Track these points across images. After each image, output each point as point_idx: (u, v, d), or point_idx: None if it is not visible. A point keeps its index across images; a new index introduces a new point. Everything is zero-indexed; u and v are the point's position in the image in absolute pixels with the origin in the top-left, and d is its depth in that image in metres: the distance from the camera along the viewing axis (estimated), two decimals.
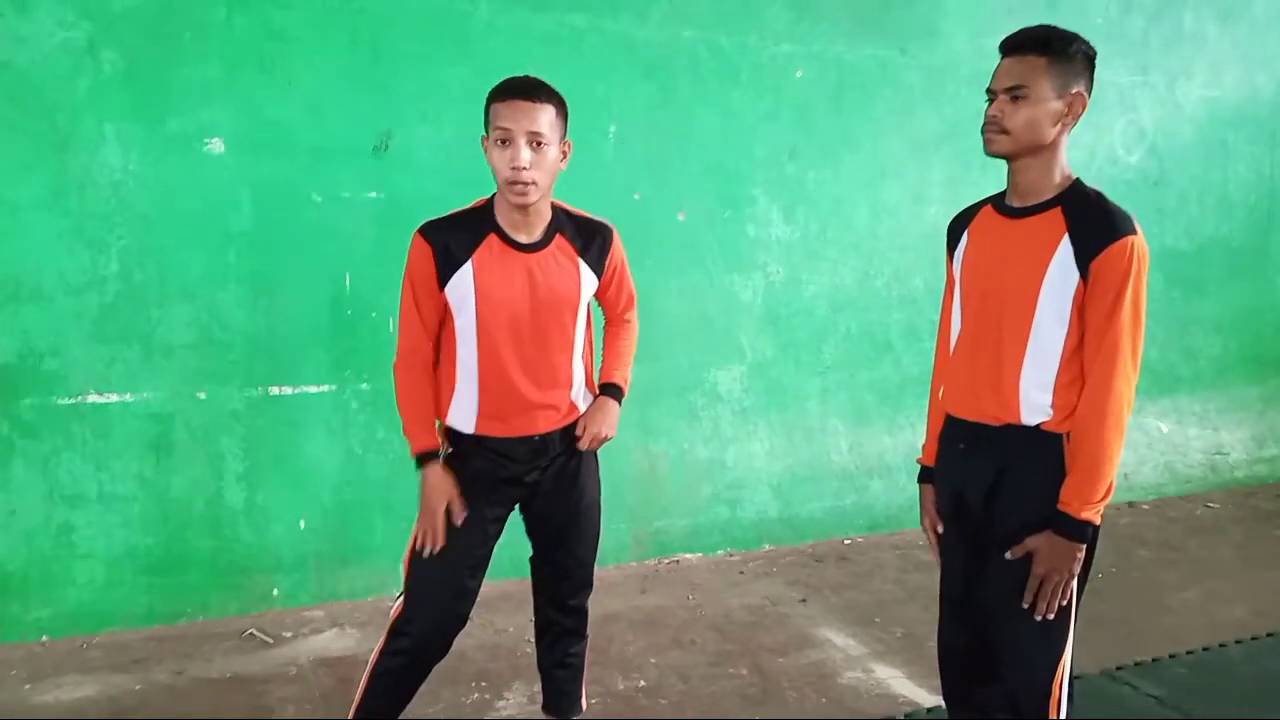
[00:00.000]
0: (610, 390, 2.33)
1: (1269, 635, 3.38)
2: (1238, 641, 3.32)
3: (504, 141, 1.99)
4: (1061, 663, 1.94)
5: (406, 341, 2.14)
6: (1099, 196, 1.87)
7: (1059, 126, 1.87)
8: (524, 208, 2.06)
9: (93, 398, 3.23)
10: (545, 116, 2.00)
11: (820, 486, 4.38)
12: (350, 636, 3.23)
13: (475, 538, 2.17)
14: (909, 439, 4.49)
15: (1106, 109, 4.84)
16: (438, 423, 2.19)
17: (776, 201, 4.21)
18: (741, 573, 3.94)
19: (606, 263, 2.23)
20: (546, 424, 2.20)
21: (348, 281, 3.49)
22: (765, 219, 4.20)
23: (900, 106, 4.40)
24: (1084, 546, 1.86)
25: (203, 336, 3.33)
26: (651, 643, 3.21)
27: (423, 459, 2.12)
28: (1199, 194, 5.23)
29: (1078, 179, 1.91)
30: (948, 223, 2.14)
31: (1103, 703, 2.87)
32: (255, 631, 3.27)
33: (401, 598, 2.18)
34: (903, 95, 4.41)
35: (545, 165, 2.02)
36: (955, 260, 2.07)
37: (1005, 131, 1.87)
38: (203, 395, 3.35)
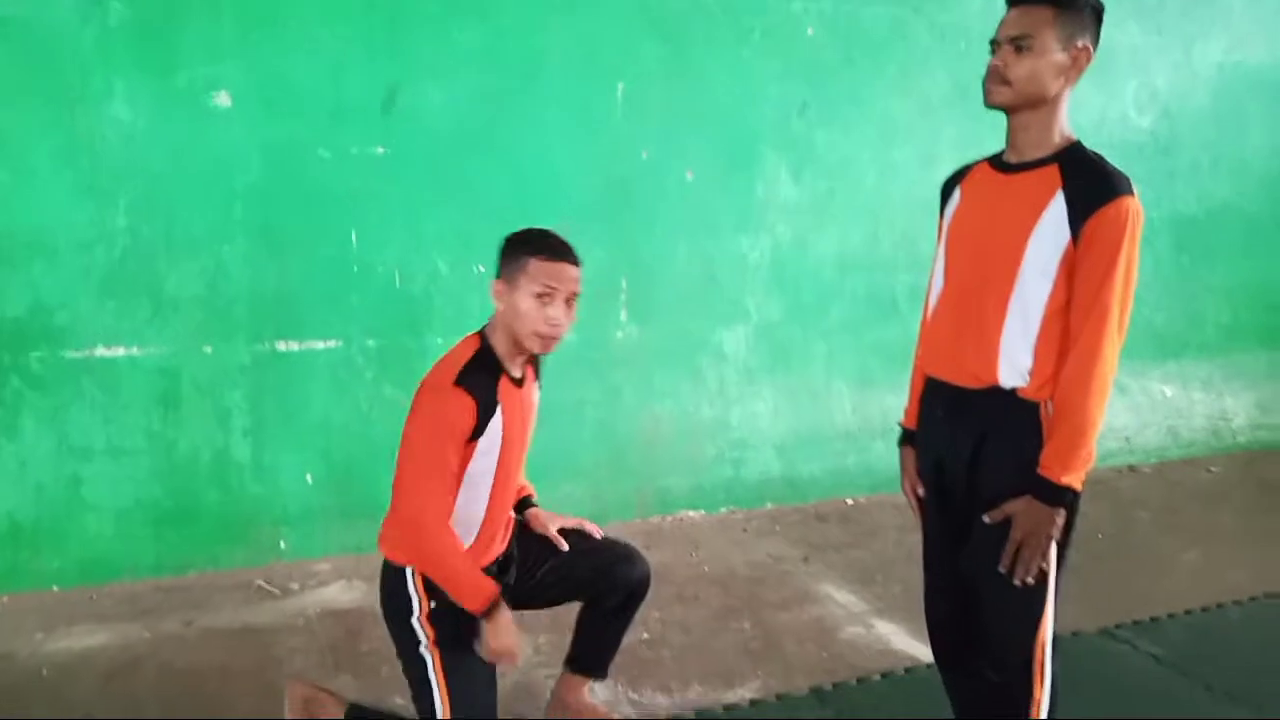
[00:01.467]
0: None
1: (1267, 597, 3.41)
2: (1236, 603, 3.36)
3: (544, 297, 2.01)
4: (1043, 626, 1.95)
5: (439, 500, 2.00)
6: (1098, 157, 1.84)
7: (1062, 80, 1.83)
8: (532, 354, 2.13)
9: (101, 351, 3.24)
10: (580, 275, 2.08)
11: (823, 447, 4.40)
12: (357, 589, 3.27)
13: (490, 675, 2.16)
14: None
15: (1119, 70, 4.79)
16: (413, 577, 2.09)
17: (785, 161, 4.19)
18: (744, 530, 3.97)
19: (540, 375, 2.31)
20: (508, 533, 2.26)
21: (354, 238, 3.49)
22: (774, 179, 4.18)
23: (912, 66, 4.36)
24: (1063, 511, 1.84)
25: (210, 291, 3.34)
26: (655, 596, 3.19)
27: (496, 604, 2.01)
28: (1212, 160, 5.18)
29: (1078, 140, 1.88)
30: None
31: (1102, 660, 2.91)
32: (263, 583, 3.31)
33: None
34: (915, 54, 4.37)
35: (572, 321, 2.09)
36: (946, 218, 2.05)
37: (1007, 82, 1.83)
38: (210, 350, 3.36)
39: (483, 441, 2.03)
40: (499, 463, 2.09)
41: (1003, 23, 1.87)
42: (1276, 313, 5.49)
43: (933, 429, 2.05)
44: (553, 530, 2.32)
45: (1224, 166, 5.22)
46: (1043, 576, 1.90)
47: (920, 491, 2.11)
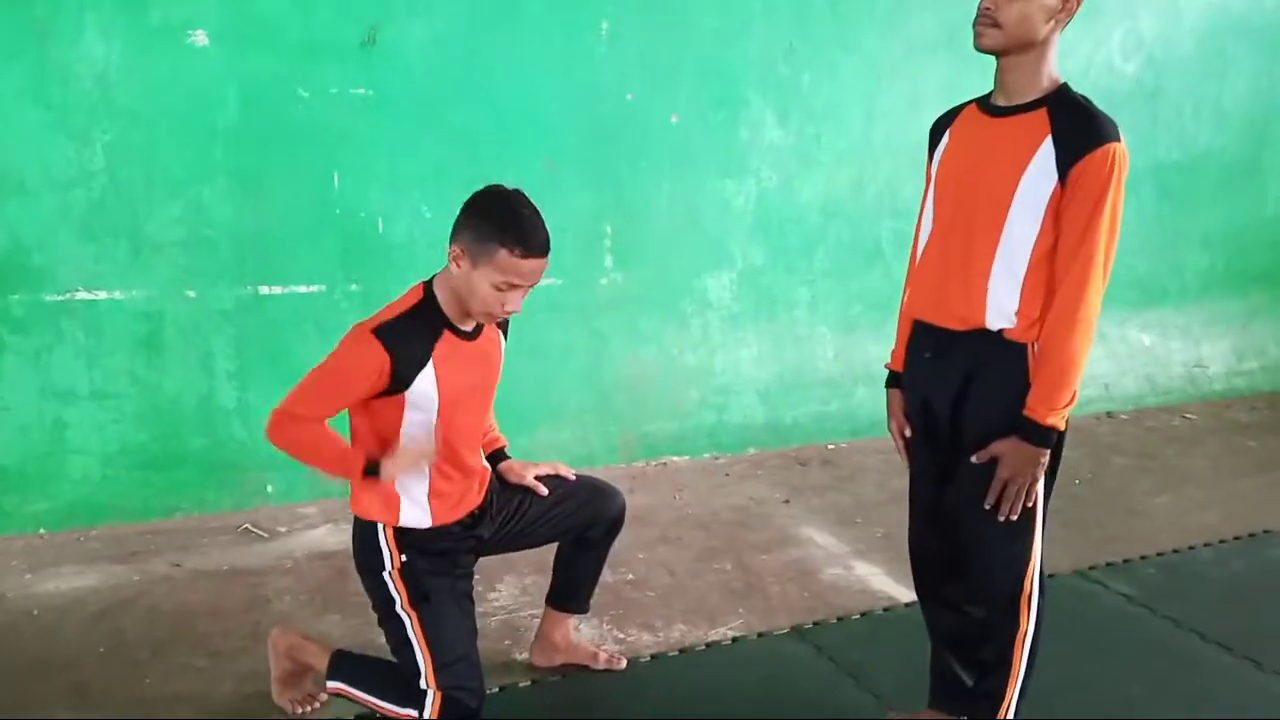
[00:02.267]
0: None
1: (1237, 539, 3.49)
2: (1207, 545, 3.44)
3: (507, 289, 1.96)
4: (1031, 563, 1.99)
5: (304, 409, 2.03)
6: (1086, 101, 1.85)
7: (1052, 24, 1.83)
8: None
9: (82, 295, 3.22)
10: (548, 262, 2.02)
11: (806, 393, 4.44)
12: (344, 532, 3.26)
13: (466, 611, 2.18)
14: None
15: (1105, 16, 4.76)
16: (384, 531, 2.12)
17: (771, 104, 4.16)
18: (727, 475, 4.02)
19: (508, 327, 2.30)
20: (483, 487, 2.25)
21: (336, 180, 3.46)
22: (759, 122, 4.16)
23: (898, 7, 4.32)
24: (1048, 451, 1.88)
25: (191, 235, 3.31)
26: (639, 538, 3.29)
27: (370, 468, 2.04)
28: (1194, 105, 5.18)
29: (1066, 83, 1.88)
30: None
31: (1074, 599, 2.98)
32: (250, 526, 3.33)
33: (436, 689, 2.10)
34: None
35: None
36: (934, 160, 2.05)
37: (997, 25, 1.82)
38: (192, 294, 3.34)
39: (411, 395, 2.01)
40: (440, 417, 2.06)
41: None
42: (1252, 259, 5.53)
43: (920, 369, 2.07)
44: (529, 478, 2.33)
45: (1205, 112, 5.22)
46: (1029, 514, 1.94)
47: (907, 433, 2.14)
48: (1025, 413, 1.87)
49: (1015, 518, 1.92)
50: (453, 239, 1.98)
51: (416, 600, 2.12)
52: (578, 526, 2.37)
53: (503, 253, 1.92)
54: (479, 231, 1.94)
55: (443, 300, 2.04)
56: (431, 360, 2.01)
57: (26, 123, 3.07)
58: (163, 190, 3.25)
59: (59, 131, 3.11)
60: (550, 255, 1.99)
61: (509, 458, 2.39)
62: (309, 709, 2.33)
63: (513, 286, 1.96)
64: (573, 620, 2.55)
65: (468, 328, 2.09)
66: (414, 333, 2.00)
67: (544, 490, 2.32)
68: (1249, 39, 5.23)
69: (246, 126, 3.30)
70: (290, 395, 2.05)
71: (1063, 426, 1.89)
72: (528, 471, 2.34)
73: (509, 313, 2.02)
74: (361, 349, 1.97)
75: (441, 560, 2.16)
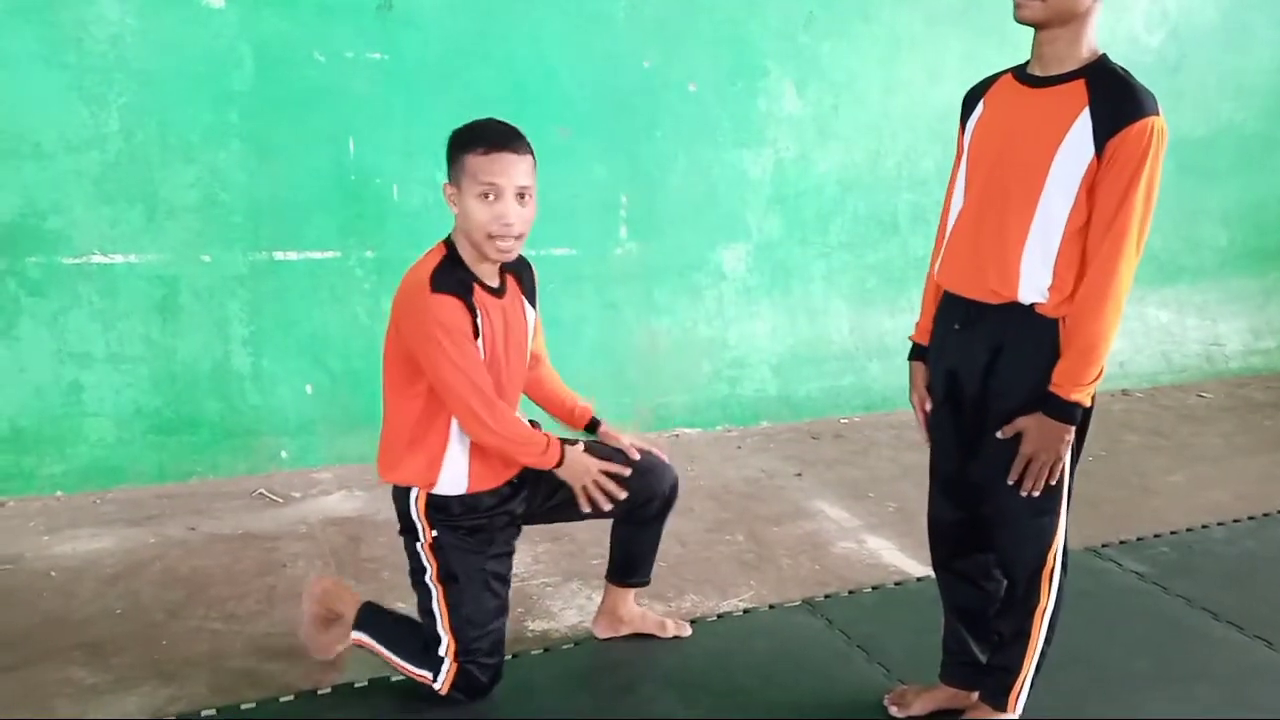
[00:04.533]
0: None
1: (1250, 518, 3.48)
2: (1219, 524, 3.43)
3: (488, 196, 1.93)
4: (1055, 538, 1.99)
5: (488, 391, 2.00)
6: (1125, 73, 1.81)
7: None
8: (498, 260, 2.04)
9: (97, 258, 3.22)
10: (527, 166, 1.98)
11: (819, 367, 4.43)
12: (358, 498, 3.32)
13: (494, 591, 2.17)
14: (909, 322, 4.40)
15: None
16: (416, 504, 2.11)
17: (789, 74, 4.11)
18: (739, 448, 4.02)
19: (537, 298, 2.25)
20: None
21: (351, 146, 3.44)
22: (777, 92, 4.11)
23: None
24: (1072, 428, 1.87)
25: (206, 199, 3.30)
26: None
27: (561, 456, 2.10)
28: (1217, 79, 5.11)
29: (1105, 54, 1.85)
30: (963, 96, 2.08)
31: (1087, 577, 2.97)
32: (264, 491, 3.35)
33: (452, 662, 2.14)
34: None
35: (529, 217, 2.00)
36: (967, 130, 2.01)
37: None
38: (207, 258, 3.34)
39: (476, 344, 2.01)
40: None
41: None
42: (1271, 237, 5.48)
43: (948, 340, 2.05)
44: (624, 440, 2.30)
45: (1228, 86, 5.14)
46: (1054, 490, 1.93)
47: (928, 406, 2.13)
48: (1051, 388, 1.85)
49: (1037, 494, 1.91)
50: (444, 186, 2.01)
51: (444, 577, 2.13)
52: (626, 504, 2.28)
53: (470, 159, 1.95)
54: (452, 154, 1.99)
55: (464, 253, 2.04)
56: (479, 313, 2.01)
57: (41, 85, 3.06)
58: (178, 154, 3.24)
59: (74, 93, 3.10)
60: (531, 156, 1.99)
61: (601, 422, 2.36)
62: (330, 655, 2.36)
63: (494, 190, 1.94)
64: (634, 593, 2.52)
65: (493, 283, 2.08)
66: (458, 281, 1.99)
67: (636, 454, 2.27)
68: (1274, 11, 5.15)
69: (261, 90, 3.29)
70: (463, 396, 1.98)
71: (1088, 403, 1.87)
72: (624, 437, 2.31)
73: (506, 228, 1.96)
74: (440, 308, 1.94)
75: (473, 539, 2.14)
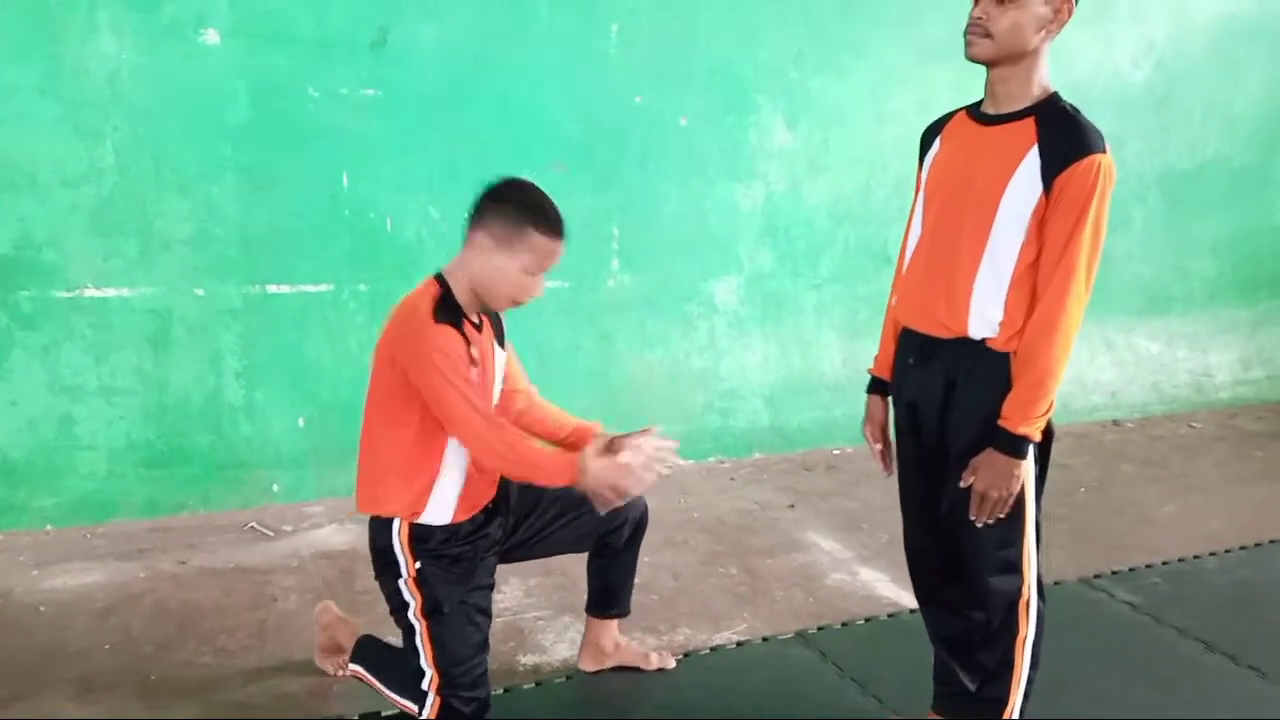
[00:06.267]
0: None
1: (1242, 548, 3.48)
2: (1212, 553, 3.43)
3: (534, 272, 2.01)
4: (1026, 570, 1.99)
5: (491, 413, 2.03)
6: (1074, 112, 1.84)
7: (1043, 33, 1.82)
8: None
9: (91, 291, 3.23)
10: None
11: (811, 398, 4.44)
12: (350, 531, 3.30)
13: (477, 624, 2.17)
14: None
15: (1115, 22, 4.75)
16: (398, 536, 2.10)
17: (780, 109, 4.16)
18: (732, 479, 4.02)
19: (505, 338, 2.28)
20: (494, 482, 2.23)
21: (345, 180, 3.47)
22: (768, 127, 4.16)
23: (908, 13, 4.31)
24: (1021, 463, 1.87)
25: (200, 232, 3.32)
26: (645, 542, 3.24)
27: (581, 469, 2.04)
28: (1204, 112, 5.17)
29: (1055, 92, 1.88)
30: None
31: (1080, 607, 2.98)
32: (256, 525, 3.34)
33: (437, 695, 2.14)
34: (911, 2, 4.32)
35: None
36: (924, 166, 2.04)
37: (989, 35, 1.82)
38: (201, 292, 3.35)
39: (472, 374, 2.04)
40: None
41: None
42: (1260, 268, 5.52)
43: (906, 375, 2.07)
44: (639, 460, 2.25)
45: (1215, 119, 5.21)
46: (1018, 522, 1.94)
47: (878, 442, 2.16)
48: (1000, 422, 1.86)
49: (993, 525, 1.91)
50: (476, 226, 2.01)
51: (428, 610, 2.12)
52: (597, 530, 2.32)
53: (538, 237, 1.98)
54: (509, 216, 1.98)
55: (457, 292, 2.06)
56: (471, 344, 2.05)
57: (38, 119, 3.09)
58: (172, 188, 3.26)
59: (70, 128, 3.13)
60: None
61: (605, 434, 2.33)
62: (343, 674, 2.41)
63: (542, 268, 2.01)
64: (616, 623, 2.52)
65: (476, 320, 2.11)
66: (452, 317, 2.02)
67: (666, 456, 2.24)
68: (1260, 44, 5.22)
69: (256, 125, 3.32)
70: (469, 420, 1.98)
71: (1037, 437, 1.88)
72: (638, 439, 2.24)
73: (532, 299, 2.05)
74: (443, 339, 1.97)
75: (456, 568, 2.14)
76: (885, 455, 2.19)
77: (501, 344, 2.25)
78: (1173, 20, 4.95)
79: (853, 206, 4.40)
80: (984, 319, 1.88)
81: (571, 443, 2.32)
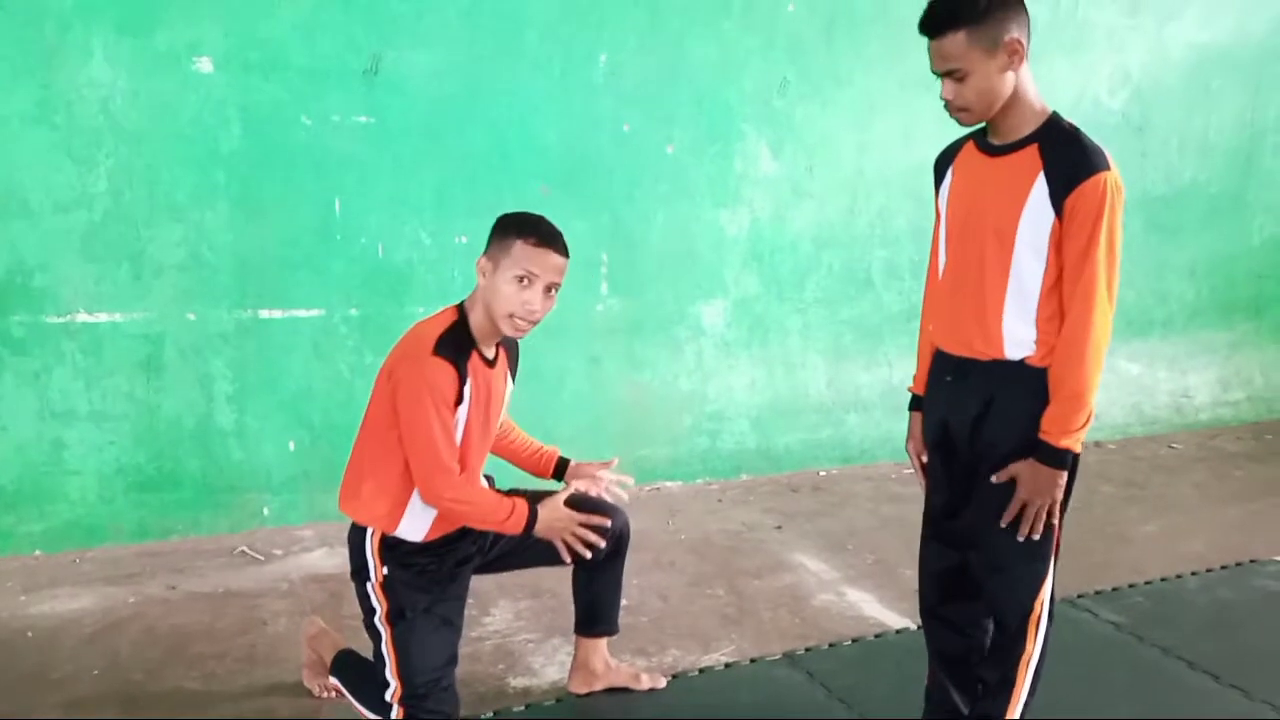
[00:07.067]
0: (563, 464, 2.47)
1: (1223, 567, 3.53)
2: (1194, 573, 3.47)
3: (524, 280, 2.05)
4: (1045, 584, 2.03)
5: (450, 460, 2.07)
6: (1074, 132, 1.89)
7: (1011, 74, 1.86)
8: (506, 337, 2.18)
9: (82, 316, 3.24)
10: (563, 266, 2.12)
11: (798, 419, 4.48)
12: (339, 555, 3.31)
13: (444, 636, 2.20)
14: (886, 375, 4.59)
15: (1094, 50, 4.85)
16: (371, 539, 2.16)
17: (765, 137, 4.22)
18: (720, 500, 4.05)
19: (517, 371, 2.36)
20: None
21: (337, 206, 3.50)
22: (753, 154, 4.22)
23: (891, 44, 4.39)
24: (1065, 473, 1.92)
25: (192, 258, 3.34)
26: (633, 564, 3.25)
27: (533, 515, 2.15)
28: (1180, 139, 5.27)
29: (1054, 113, 1.92)
30: (937, 155, 2.15)
31: (1063, 627, 2.96)
32: (246, 549, 3.35)
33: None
34: (894, 32, 4.39)
35: (549, 308, 2.12)
36: (941, 196, 2.10)
37: (965, 109, 1.89)
38: (192, 316, 3.37)
39: (458, 411, 2.08)
40: (464, 436, 2.12)
41: (930, 55, 1.90)
42: (1237, 291, 5.61)
43: (940, 392, 2.11)
44: (597, 473, 2.41)
45: (1191, 146, 5.31)
46: (1047, 535, 1.98)
47: (924, 458, 2.18)
48: (1040, 435, 1.91)
49: (1036, 537, 1.95)
50: (480, 257, 2.10)
51: (393, 616, 2.16)
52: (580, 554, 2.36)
53: (519, 245, 2.05)
54: (499, 235, 2.10)
55: (473, 322, 2.12)
56: (470, 378, 2.09)
57: (31, 145, 3.11)
58: (165, 213, 3.29)
59: (62, 154, 3.15)
60: (568, 259, 2.12)
61: (569, 462, 2.45)
62: (327, 695, 2.44)
63: (530, 276, 2.04)
64: (605, 642, 2.54)
65: (490, 354, 2.16)
66: (459, 349, 2.08)
67: (608, 495, 2.37)
68: (1234, 74, 5.33)
69: (249, 152, 3.35)
70: (426, 457, 2.05)
71: (1078, 449, 1.92)
72: (595, 469, 2.41)
73: (531, 312, 2.07)
74: (435, 371, 2.02)
75: (423, 578, 2.18)
76: (926, 470, 2.21)
77: (514, 375, 2.31)
78: (1149, 51, 5.06)
79: (836, 232, 4.46)
80: (1018, 341, 1.94)
81: (531, 465, 2.44)
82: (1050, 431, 1.90)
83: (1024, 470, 1.93)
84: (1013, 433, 1.96)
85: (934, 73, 1.91)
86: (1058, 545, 2.03)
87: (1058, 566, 2.06)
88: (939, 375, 2.12)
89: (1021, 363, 1.94)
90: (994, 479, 1.97)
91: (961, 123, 1.94)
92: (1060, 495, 1.94)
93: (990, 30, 1.83)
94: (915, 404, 2.25)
